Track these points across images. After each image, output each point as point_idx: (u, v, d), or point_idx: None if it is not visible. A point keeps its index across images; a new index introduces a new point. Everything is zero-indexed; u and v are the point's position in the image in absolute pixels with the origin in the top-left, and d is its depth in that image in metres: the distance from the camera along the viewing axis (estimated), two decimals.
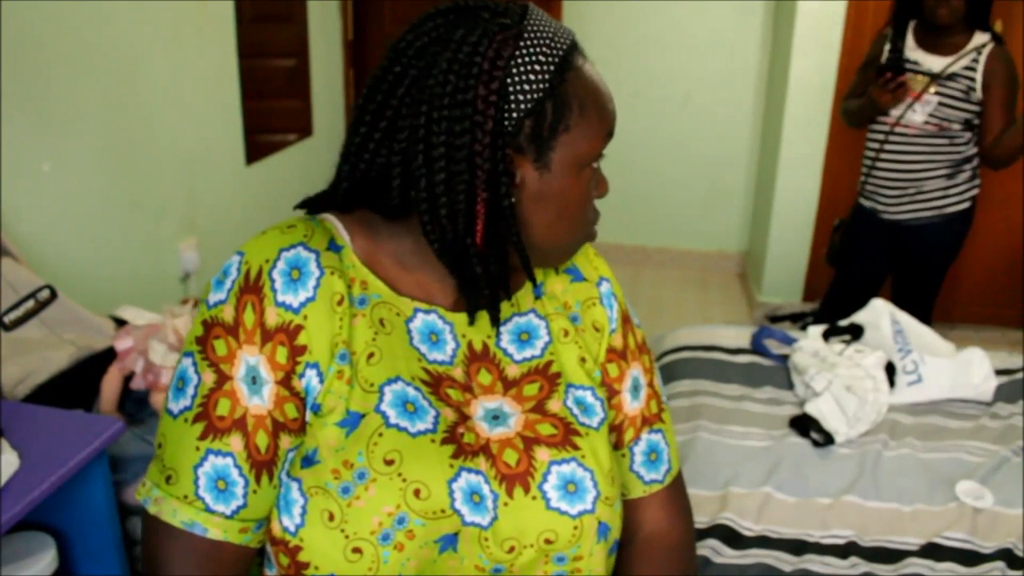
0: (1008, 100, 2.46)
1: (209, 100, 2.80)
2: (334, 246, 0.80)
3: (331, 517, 0.74)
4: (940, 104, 2.46)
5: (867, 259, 2.79)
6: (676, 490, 0.96)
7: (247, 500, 0.76)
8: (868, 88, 2.58)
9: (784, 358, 2.26)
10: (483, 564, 0.78)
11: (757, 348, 2.33)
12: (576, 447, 0.83)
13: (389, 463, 0.75)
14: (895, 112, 2.53)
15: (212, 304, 0.77)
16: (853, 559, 1.57)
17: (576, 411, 0.85)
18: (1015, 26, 3.20)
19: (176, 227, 2.64)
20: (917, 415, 2.03)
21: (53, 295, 1.83)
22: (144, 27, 2.39)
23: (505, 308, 0.87)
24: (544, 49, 0.75)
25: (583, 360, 0.89)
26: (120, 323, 1.92)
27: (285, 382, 0.75)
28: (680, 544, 0.94)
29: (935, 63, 2.47)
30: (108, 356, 1.83)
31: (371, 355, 0.78)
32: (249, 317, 0.75)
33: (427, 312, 0.83)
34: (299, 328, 0.75)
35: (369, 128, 0.78)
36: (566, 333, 0.89)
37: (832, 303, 2.88)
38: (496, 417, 0.82)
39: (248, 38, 2.96)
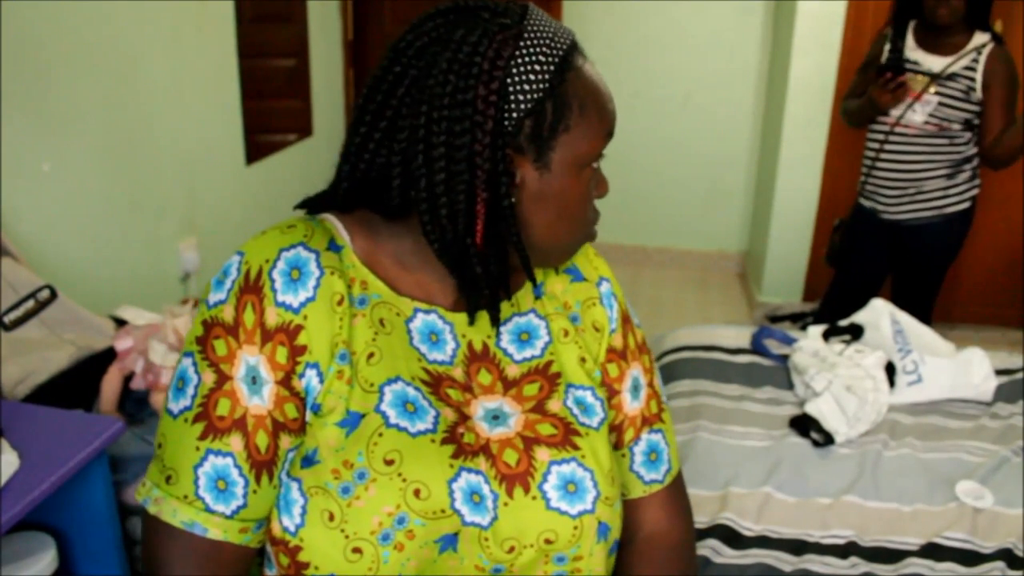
0: (1008, 100, 2.46)
1: (209, 100, 2.80)
2: (334, 246, 0.80)
3: (331, 517, 0.74)
4: (940, 104, 2.46)
5: (867, 259, 2.79)
6: (676, 490, 0.96)
7: (247, 500, 0.76)
8: (868, 88, 2.58)
9: (784, 358, 2.26)
10: (483, 564, 0.78)
11: (757, 348, 2.33)
12: (576, 447, 0.83)
13: (389, 463, 0.75)
14: (895, 112, 2.53)
15: (212, 304, 0.77)
16: (853, 559, 1.57)
17: (576, 411, 0.85)
18: (1015, 26, 3.20)
19: (176, 227, 2.64)
20: (917, 415, 2.03)
21: (53, 295, 1.83)
22: (144, 27, 2.39)
23: (505, 308, 0.87)
24: (544, 49, 0.75)
25: (583, 360, 0.89)
26: (120, 323, 1.92)
27: (285, 382, 0.75)
28: (680, 544, 0.94)
29: (935, 63, 2.47)
30: (108, 356, 1.83)
31: (371, 355, 0.78)
32: (249, 317, 0.75)
33: (427, 312, 0.83)
34: (299, 328, 0.75)
35: (369, 128, 0.78)
36: (566, 333, 0.89)
37: (832, 303, 2.88)
38: (496, 417, 0.82)
39: (248, 38, 2.95)
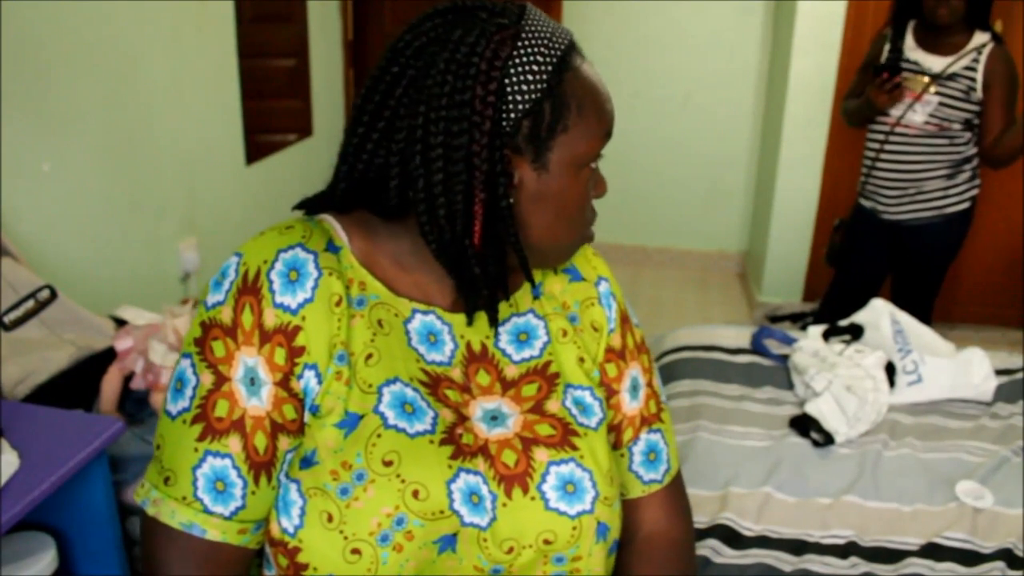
0: (1008, 100, 2.46)
1: (209, 100, 2.80)
2: (332, 247, 0.80)
3: (330, 518, 0.74)
4: (941, 104, 2.46)
5: (867, 259, 2.79)
6: (675, 490, 0.96)
7: (246, 501, 0.76)
8: (866, 88, 2.58)
9: (784, 358, 2.26)
10: (482, 565, 0.78)
11: (757, 348, 2.33)
12: (575, 447, 0.83)
13: (388, 464, 0.75)
14: (895, 112, 2.53)
15: (210, 305, 0.77)
16: (853, 559, 1.57)
17: (575, 411, 0.85)
18: (1015, 26, 3.20)
19: (176, 227, 2.64)
20: (917, 415, 2.03)
21: (53, 295, 1.83)
22: (144, 27, 2.39)
23: (504, 308, 0.87)
24: (542, 49, 0.75)
25: (581, 360, 0.88)
26: (120, 323, 1.92)
27: (283, 383, 0.75)
28: (679, 544, 0.94)
29: (935, 63, 2.47)
30: (108, 356, 1.83)
31: (369, 356, 0.78)
32: (247, 318, 0.75)
33: (425, 313, 0.83)
34: (297, 329, 0.75)
35: (367, 128, 0.78)
36: (564, 333, 0.89)
37: (832, 303, 2.88)
38: (495, 418, 0.82)
39: (248, 38, 2.95)
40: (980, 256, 3.51)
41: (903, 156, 2.56)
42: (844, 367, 2.04)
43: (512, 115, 0.74)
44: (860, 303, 2.40)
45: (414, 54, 0.76)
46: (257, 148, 3.13)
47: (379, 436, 0.76)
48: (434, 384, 0.81)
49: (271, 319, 0.75)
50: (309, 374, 0.76)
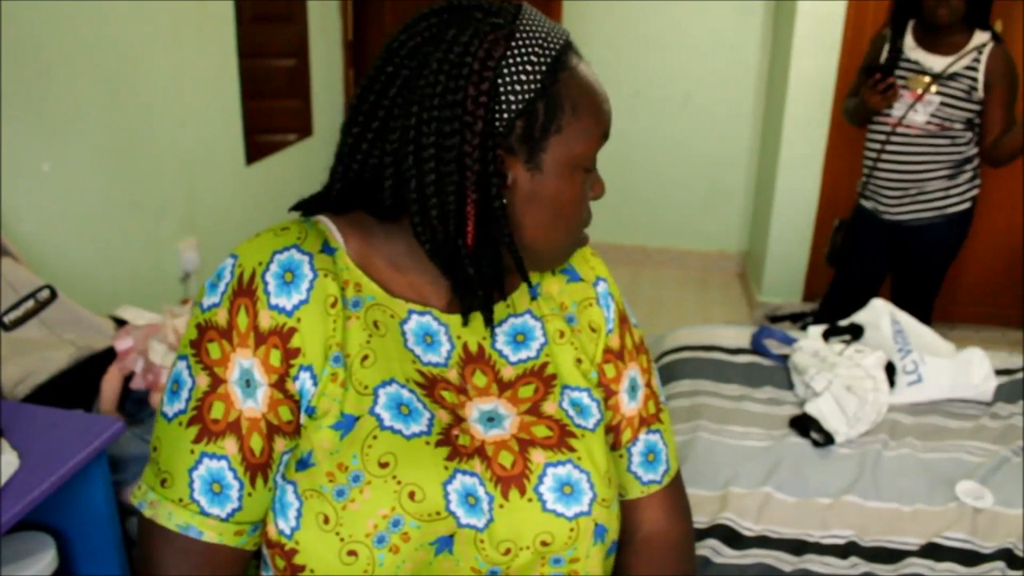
0: (1009, 100, 2.46)
1: (209, 100, 2.80)
2: (328, 248, 0.80)
3: (326, 520, 0.74)
4: (942, 104, 2.46)
5: (867, 259, 2.79)
6: (674, 490, 0.96)
7: (242, 503, 0.76)
8: (860, 89, 2.58)
9: (784, 358, 2.26)
10: (479, 566, 0.78)
11: (757, 348, 2.33)
12: (572, 449, 0.82)
13: (384, 465, 0.75)
14: (897, 112, 2.52)
15: (206, 307, 0.77)
16: (853, 559, 1.57)
17: (572, 413, 0.85)
18: (1015, 26, 3.20)
19: (176, 227, 2.65)
20: (917, 415, 2.03)
21: (53, 295, 1.83)
22: (144, 27, 2.39)
23: (501, 309, 0.87)
24: (536, 49, 0.75)
25: (579, 361, 0.88)
26: (120, 323, 1.92)
27: (279, 385, 0.75)
28: (678, 544, 0.94)
29: (935, 63, 2.47)
30: (108, 356, 1.83)
31: (365, 357, 0.78)
32: (242, 320, 0.75)
33: (422, 314, 0.83)
34: (292, 331, 0.75)
35: (362, 128, 0.78)
36: (562, 334, 0.89)
37: (832, 303, 2.88)
38: (491, 419, 0.82)
39: (248, 38, 2.95)
40: (980, 256, 3.51)
41: (905, 156, 2.56)
42: (844, 367, 2.04)
43: (505, 115, 0.74)
44: (860, 303, 2.40)
45: (408, 54, 0.76)
46: (257, 148, 3.13)
47: (375, 438, 0.76)
48: (430, 385, 0.81)
49: (266, 321, 0.75)
50: (304, 376, 0.76)
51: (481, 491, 0.78)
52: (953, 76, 2.44)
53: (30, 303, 1.79)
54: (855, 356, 2.07)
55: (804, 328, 2.59)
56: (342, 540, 0.74)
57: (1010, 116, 2.47)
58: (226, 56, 2.86)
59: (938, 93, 2.45)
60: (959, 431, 1.97)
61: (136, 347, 1.80)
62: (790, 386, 2.15)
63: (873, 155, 2.63)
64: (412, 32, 0.77)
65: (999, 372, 2.19)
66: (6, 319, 1.74)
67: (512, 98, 0.74)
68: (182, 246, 2.67)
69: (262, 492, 0.77)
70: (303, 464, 0.76)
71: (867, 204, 2.73)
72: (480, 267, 0.78)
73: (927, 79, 2.45)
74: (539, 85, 0.75)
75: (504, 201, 0.77)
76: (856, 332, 2.25)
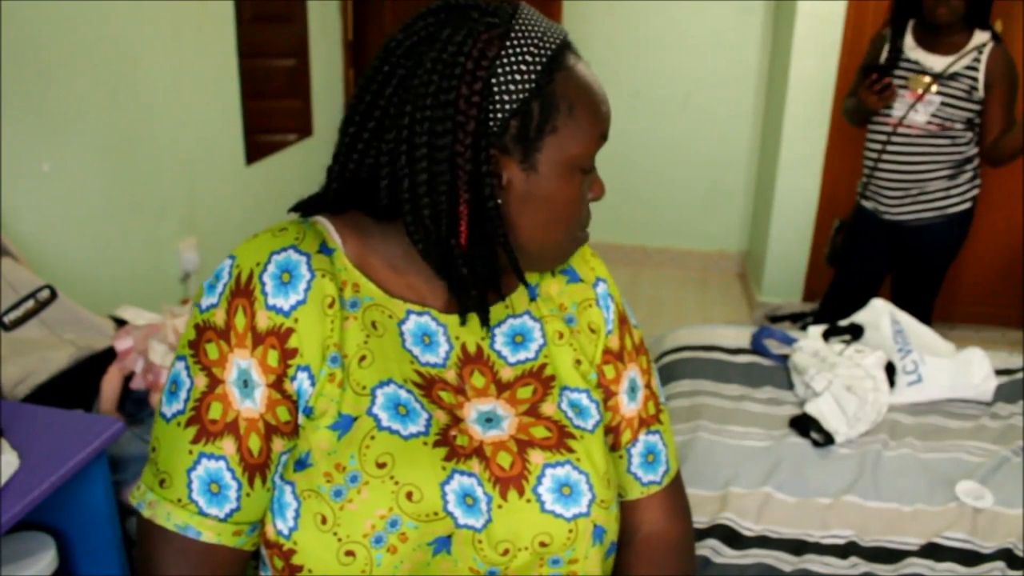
0: (1009, 100, 2.47)
1: (209, 100, 2.80)
2: (325, 249, 0.80)
3: (324, 520, 0.74)
4: (943, 104, 2.46)
5: (867, 259, 2.79)
6: (674, 491, 0.96)
7: (240, 503, 0.76)
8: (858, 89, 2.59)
9: (784, 358, 2.26)
10: (477, 567, 0.78)
11: (757, 348, 2.33)
12: (571, 450, 0.82)
13: (381, 466, 0.75)
14: (897, 113, 2.52)
15: (204, 308, 0.77)
16: (853, 559, 1.57)
17: (571, 414, 0.85)
18: (1015, 26, 3.20)
19: (176, 227, 2.65)
20: (917, 415, 2.03)
21: (53, 295, 1.83)
22: (144, 27, 2.39)
23: (500, 310, 0.86)
24: (532, 49, 0.75)
25: (578, 362, 0.88)
26: (120, 323, 1.92)
27: (277, 385, 0.75)
28: (678, 544, 0.94)
29: (935, 62, 2.47)
30: (108, 356, 1.83)
31: (363, 358, 0.78)
32: (240, 320, 0.75)
33: (420, 314, 0.82)
34: (290, 331, 0.75)
35: (358, 128, 0.78)
36: (561, 335, 0.88)
37: (832, 303, 2.88)
38: (489, 420, 0.82)
39: (248, 38, 2.95)
40: (980, 256, 3.50)
41: (906, 156, 2.56)
42: (844, 367, 2.04)
43: (499, 115, 0.74)
44: (860, 303, 2.40)
45: (405, 53, 0.76)
46: (257, 148, 3.13)
47: (372, 438, 0.76)
48: (428, 386, 0.80)
49: (263, 321, 0.75)
50: (302, 376, 0.76)
51: (479, 491, 0.78)
52: (954, 76, 2.44)
53: (30, 303, 1.79)
54: (855, 356, 2.07)
55: (804, 328, 2.59)
56: (340, 540, 0.74)
57: (1010, 116, 2.47)
58: (226, 56, 2.86)
59: (938, 93, 2.45)
60: (959, 431, 1.97)
61: (136, 347, 1.80)
62: (790, 386, 2.15)
63: (874, 155, 2.63)
64: (409, 31, 0.77)
65: (999, 372, 2.19)
66: (6, 319, 1.74)
67: (506, 98, 0.74)
68: (182, 246, 2.67)
69: (260, 492, 0.77)
70: (301, 464, 0.76)
71: (867, 204, 2.73)
72: (474, 267, 0.78)
73: (927, 79, 2.45)
74: (534, 85, 0.74)
75: (499, 201, 0.76)
76: (856, 332, 2.25)
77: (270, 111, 3.26)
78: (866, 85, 2.49)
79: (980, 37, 2.44)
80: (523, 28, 0.75)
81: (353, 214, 0.82)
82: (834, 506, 1.69)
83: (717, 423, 1.95)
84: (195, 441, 0.75)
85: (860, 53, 3.00)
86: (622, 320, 0.94)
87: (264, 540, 0.79)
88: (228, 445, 0.75)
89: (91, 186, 2.23)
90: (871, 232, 2.73)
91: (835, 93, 3.47)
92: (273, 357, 0.75)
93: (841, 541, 1.62)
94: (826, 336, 2.26)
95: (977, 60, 2.43)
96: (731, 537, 1.60)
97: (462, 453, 0.79)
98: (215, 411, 0.75)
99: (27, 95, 1.96)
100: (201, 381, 0.75)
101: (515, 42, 0.74)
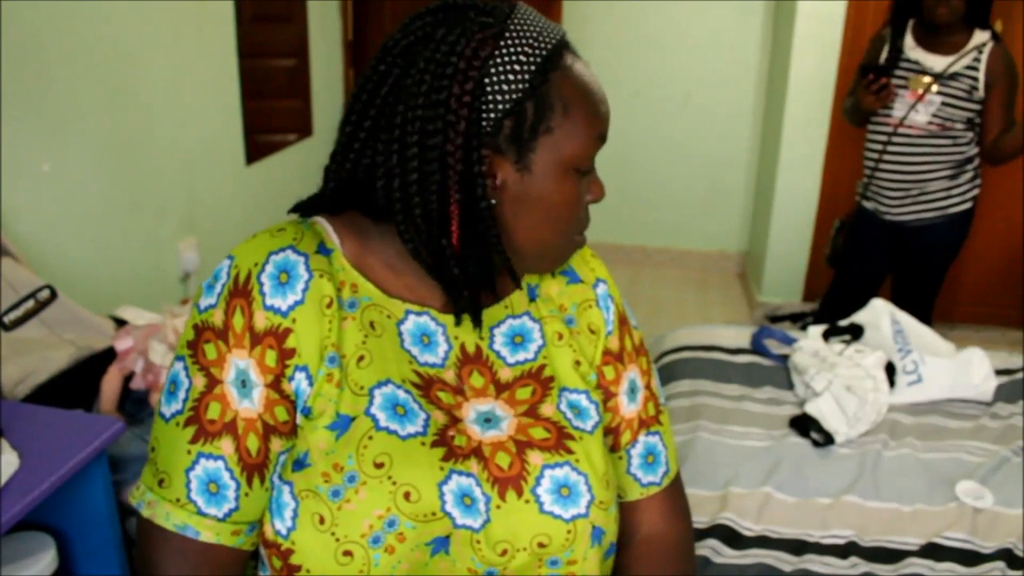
0: (1009, 99, 2.47)
1: (209, 100, 2.80)
2: (324, 249, 0.80)
3: (321, 520, 0.74)
4: (944, 104, 2.46)
5: (867, 259, 2.79)
6: (674, 492, 0.95)
7: (239, 503, 0.76)
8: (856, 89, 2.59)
9: (784, 358, 2.26)
10: (476, 567, 0.78)
11: (757, 348, 2.33)
12: (570, 451, 0.82)
13: (379, 466, 0.75)
14: (898, 113, 2.52)
15: (203, 308, 0.77)
16: (853, 559, 1.57)
17: (570, 415, 0.85)
18: (1015, 26, 3.20)
19: (176, 227, 2.65)
20: (917, 415, 2.03)
21: (53, 295, 1.83)
22: (144, 27, 2.39)
23: (499, 310, 0.86)
24: (526, 48, 0.74)
25: (577, 363, 0.88)
26: (120, 323, 1.92)
27: (275, 385, 0.75)
28: (678, 545, 0.94)
29: (935, 62, 2.47)
30: (108, 356, 1.83)
31: (361, 358, 0.78)
32: (238, 321, 0.75)
33: (419, 314, 0.82)
34: (288, 331, 0.75)
35: (354, 128, 0.78)
36: (560, 336, 0.88)
37: (832, 303, 2.88)
38: (488, 420, 0.82)
39: (248, 38, 2.96)
40: (980, 256, 3.50)
41: (906, 157, 2.56)
42: (844, 367, 2.04)
43: (492, 115, 0.74)
44: (860, 303, 2.40)
45: (400, 53, 0.76)
46: (257, 148, 3.13)
47: (370, 438, 0.76)
48: (426, 386, 0.80)
49: (261, 321, 0.75)
50: (300, 376, 0.76)
51: (477, 492, 0.78)
52: (954, 76, 2.44)
53: (30, 303, 1.79)
54: (855, 356, 2.07)
55: (804, 328, 2.59)
56: (337, 540, 0.74)
57: (1010, 115, 2.47)
58: (226, 56, 2.86)
59: (939, 93, 2.45)
60: (959, 431, 1.97)
61: (136, 347, 1.80)
62: (790, 386, 2.15)
63: (875, 156, 2.63)
64: (406, 31, 0.77)
65: (999, 372, 2.19)
66: (6, 319, 1.74)
67: (499, 97, 0.73)
68: (182, 246, 2.67)
69: (259, 492, 0.77)
70: (299, 464, 0.76)
71: (868, 205, 2.73)
72: (465, 268, 0.78)
73: (928, 79, 2.45)
74: (527, 84, 0.74)
75: (492, 201, 0.76)
76: (856, 332, 2.25)
77: (270, 111, 3.26)
78: (863, 85, 2.49)
79: (980, 37, 2.44)
80: (518, 28, 0.75)
81: (351, 214, 0.82)
82: (834, 506, 1.69)
83: (717, 423, 1.95)
84: (193, 441, 0.75)
85: (860, 53, 3.00)
86: (622, 321, 0.94)
87: (262, 540, 0.79)
88: (226, 445, 0.75)
89: (91, 186, 2.23)
90: (872, 232, 2.73)
91: (835, 93, 3.47)
92: (271, 357, 0.75)
93: (841, 541, 1.62)
94: (826, 336, 2.26)
95: (977, 60, 2.43)
96: (731, 537, 1.60)
97: (460, 453, 0.78)
98: (213, 411, 0.75)
99: (27, 95, 1.96)
100: (199, 381, 0.75)
101: (509, 42, 0.74)
